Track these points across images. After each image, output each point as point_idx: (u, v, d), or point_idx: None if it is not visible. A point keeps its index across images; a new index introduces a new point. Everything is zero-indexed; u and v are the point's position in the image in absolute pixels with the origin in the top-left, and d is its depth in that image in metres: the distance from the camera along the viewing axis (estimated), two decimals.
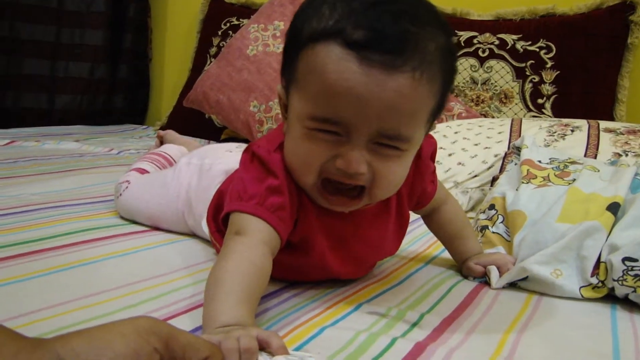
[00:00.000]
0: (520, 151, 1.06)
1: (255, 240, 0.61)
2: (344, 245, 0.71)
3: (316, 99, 0.58)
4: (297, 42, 0.59)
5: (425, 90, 0.57)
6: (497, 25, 1.83)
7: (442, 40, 0.58)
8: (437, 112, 0.63)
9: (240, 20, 2.27)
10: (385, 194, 0.66)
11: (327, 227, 0.69)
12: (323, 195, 0.63)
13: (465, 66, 1.80)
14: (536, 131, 1.32)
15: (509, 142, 1.32)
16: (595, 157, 1.20)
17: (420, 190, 0.77)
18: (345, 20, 0.55)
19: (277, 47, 1.89)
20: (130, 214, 1.00)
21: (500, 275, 0.80)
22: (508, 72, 1.75)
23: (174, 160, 1.20)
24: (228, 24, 2.30)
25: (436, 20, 0.59)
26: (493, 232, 0.91)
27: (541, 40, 1.75)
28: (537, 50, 1.75)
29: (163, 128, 2.15)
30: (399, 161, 0.62)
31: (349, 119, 0.57)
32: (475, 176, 1.28)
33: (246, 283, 0.56)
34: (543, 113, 1.69)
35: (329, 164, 0.60)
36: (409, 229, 0.81)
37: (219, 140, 2.01)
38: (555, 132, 1.31)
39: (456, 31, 1.84)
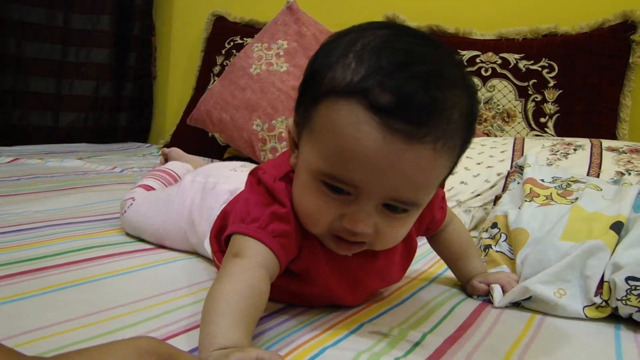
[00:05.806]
0: (522, 170, 1.06)
1: (253, 262, 0.60)
2: (350, 275, 0.71)
3: (330, 157, 0.56)
4: (317, 88, 0.57)
5: (444, 160, 0.57)
6: (499, 44, 1.84)
7: (466, 104, 0.57)
8: (450, 173, 0.62)
9: (244, 39, 2.29)
10: (385, 247, 0.66)
11: (333, 259, 0.68)
12: (331, 240, 0.63)
13: None
14: (539, 150, 1.32)
15: (512, 161, 1.32)
16: (598, 176, 1.20)
17: (430, 218, 0.77)
18: (371, 79, 0.53)
19: (281, 66, 1.90)
20: (135, 230, 1.00)
21: (503, 294, 0.80)
22: (511, 91, 1.76)
23: (179, 177, 1.20)
24: (232, 43, 2.32)
25: (462, 78, 0.58)
26: (497, 251, 0.90)
27: (543, 59, 1.76)
28: (540, 69, 1.75)
29: (167, 146, 2.16)
30: (405, 221, 0.62)
31: (362, 184, 0.56)
32: (478, 195, 1.28)
33: (243, 305, 0.55)
34: (546, 132, 1.69)
35: (336, 222, 0.60)
36: None
37: (222, 159, 2.01)
38: (557, 151, 1.31)
39: (459, 50, 1.85)
